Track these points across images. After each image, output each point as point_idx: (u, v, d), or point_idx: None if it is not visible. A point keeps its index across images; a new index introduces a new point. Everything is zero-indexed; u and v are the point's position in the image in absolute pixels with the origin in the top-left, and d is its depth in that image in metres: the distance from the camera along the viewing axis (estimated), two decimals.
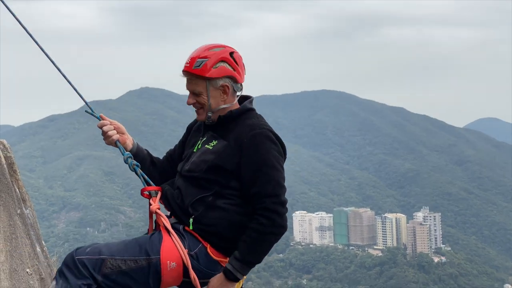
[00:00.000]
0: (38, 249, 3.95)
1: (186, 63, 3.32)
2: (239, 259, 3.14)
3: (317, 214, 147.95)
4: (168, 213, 3.39)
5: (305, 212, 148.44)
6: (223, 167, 3.26)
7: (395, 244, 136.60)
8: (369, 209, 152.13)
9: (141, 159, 3.60)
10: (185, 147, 3.60)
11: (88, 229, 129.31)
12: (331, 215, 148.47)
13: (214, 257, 3.26)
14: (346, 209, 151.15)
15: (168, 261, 3.14)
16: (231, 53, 3.36)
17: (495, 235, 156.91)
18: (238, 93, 3.44)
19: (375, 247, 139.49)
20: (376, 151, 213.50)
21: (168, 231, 3.21)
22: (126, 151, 3.57)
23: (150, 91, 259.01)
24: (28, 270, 3.58)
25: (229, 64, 3.33)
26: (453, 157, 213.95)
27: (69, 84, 3.52)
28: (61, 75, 3.49)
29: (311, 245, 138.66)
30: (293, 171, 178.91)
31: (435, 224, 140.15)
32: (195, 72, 3.29)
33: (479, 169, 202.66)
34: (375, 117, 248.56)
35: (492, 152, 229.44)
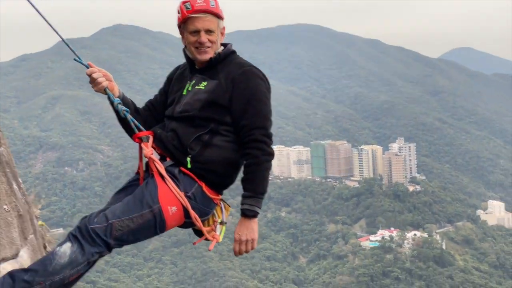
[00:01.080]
0: (15, 186, 3.93)
1: (197, 3, 3.46)
2: (250, 195, 3.36)
3: (294, 148, 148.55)
4: (158, 157, 3.52)
5: (282, 146, 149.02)
6: (217, 103, 3.45)
7: (371, 175, 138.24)
8: (345, 142, 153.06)
9: (127, 107, 3.65)
10: (169, 94, 3.74)
11: (66, 168, 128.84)
12: (308, 148, 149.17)
13: (209, 195, 3.45)
14: (323, 142, 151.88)
15: (169, 206, 3.31)
16: None
17: (468, 163, 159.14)
18: None
19: (352, 178, 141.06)
20: (352, 84, 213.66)
21: (162, 177, 3.35)
22: (114, 97, 3.64)
23: (124, 28, 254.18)
24: (5, 207, 3.60)
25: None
26: (427, 87, 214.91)
27: (44, 22, 3.54)
28: (38, 14, 3.50)
29: (289, 179, 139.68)
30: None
31: (410, 154, 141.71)
32: (214, 10, 3.50)
33: (453, 99, 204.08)
34: (350, 50, 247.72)
35: (466, 81, 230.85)
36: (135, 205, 3.31)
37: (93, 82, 3.56)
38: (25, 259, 3.65)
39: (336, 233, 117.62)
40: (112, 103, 3.58)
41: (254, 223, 3.41)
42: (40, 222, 5.64)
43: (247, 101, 3.45)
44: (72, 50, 3.55)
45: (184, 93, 3.60)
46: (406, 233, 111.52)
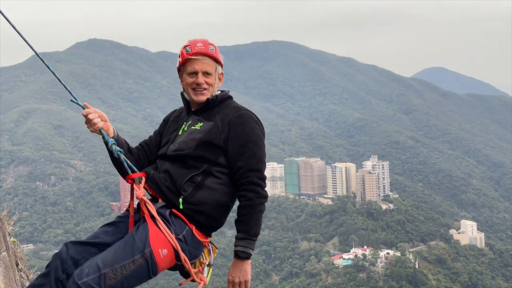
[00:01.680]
0: None
1: (196, 46, 3.59)
2: (244, 237, 3.40)
3: (268, 165, 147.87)
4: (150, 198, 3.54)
5: None
6: (212, 143, 3.49)
7: (345, 193, 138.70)
8: (319, 159, 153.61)
9: (120, 147, 3.69)
10: (164, 135, 3.80)
11: (37, 183, 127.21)
12: (282, 165, 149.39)
13: (199, 238, 3.46)
14: (297, 159, 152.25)
15: (160, 249, 3.29)
16: None
17: (441, 182, 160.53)
18: None
19: (325, 196, 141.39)
20: (326, 101, 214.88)
21: (154, 218, 3.35)
22: (109, 138, 3.64)
23: (99, 43, 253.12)
24: None
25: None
26: (401, 106, 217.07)
27: (19, 37, 3.50)
28: (14, 29, 3.47)
29: None
30: None
31: (383, 172, 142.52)
32: (212, 54, 3.62)
33: (426, 118, 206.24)
34: (325, 67, 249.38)
35: (439, 101, 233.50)
36: (126, 251, 3.27)
37: (89, 122, 3.56)
38: None
39: (309, 251, 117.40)
40: (106, 143, 3.59)
41: (247, 265, 3.44)
42: (12, 239, 5.75)
43: (243, 144, 3.50)
44: (69, 91, 3.59)
45: (180, 133, 3.66)
46: (379, 252, 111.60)
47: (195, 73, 3.62)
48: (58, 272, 3.29)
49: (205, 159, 3.49)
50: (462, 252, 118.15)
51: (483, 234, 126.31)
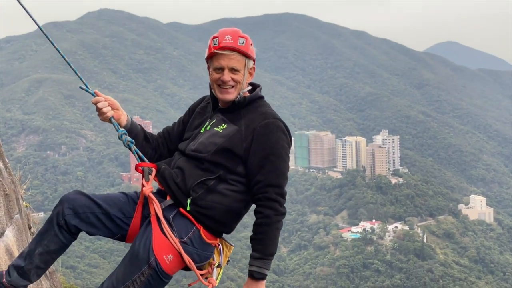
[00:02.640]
0: (1, 165, 3.96)
1: (224, 39, 3.33)
2: (260, 257, 3.25)
3: None
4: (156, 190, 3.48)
5: None
6: (231, 151, 3.31)
7: (354, 167, 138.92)
8: (329, 133, 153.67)
9: (135, 135, 3.61)
10: (188, 127, 3.62)
11: (48, 152, 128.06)
12: (292, 138, 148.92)
13: (207, 240, 3.35)
14: (307, 132, 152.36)
15: (165, 256, 3.23)
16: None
17: (451, 157, 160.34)
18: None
19: (335, 169, 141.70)
20: (337, 75, 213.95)
21: (159, 220, 3.27)
22: (121, 127, 3.55)
23: (110, 13, 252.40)
24: None
25: (254, 49, 3.46)
26: (412, 80, 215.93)
27: (27, 5, 3.47)
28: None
29: None
30: None
31: (393, 146, 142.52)
32: (241, 49, 3.35)
33: (437, 92, 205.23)
34: (337, 40, 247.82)
35: (451, 75, 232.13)
36: (133, 265, 3.24)
37: (99, 111, 3.49)
38: (10, 238, 3.68)
39: (317, 224, 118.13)
40: (117, 132, 3.53)
41: (262, 285, 3.29)
42: (25, 203, 5.81)
43: (265, 156, 3.29)
44: (80, 77, 3.53)
45: (202, 131, 3.46)
46: (387, 226, 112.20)
47: (221, 69, 3.37)
48: (59, 217, 3.31)
49: (222, 166, 3.32)
50: (471, 227, 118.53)
51: (492, 209, 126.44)
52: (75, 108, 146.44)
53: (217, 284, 3.46)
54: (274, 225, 3.24)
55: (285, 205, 3.32)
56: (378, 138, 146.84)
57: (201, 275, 3.39)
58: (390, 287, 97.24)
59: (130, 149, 3.49)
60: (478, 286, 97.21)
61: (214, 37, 3.37)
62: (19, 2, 3.41)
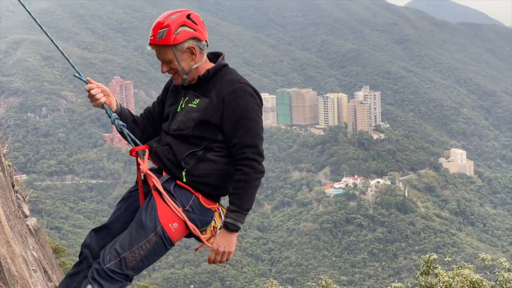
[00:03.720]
0: None
1: (150, 36, 3.53)
2: (235, 210, 3.46)
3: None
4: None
5: None
6: (209, 122, 3.50)
7: (336, 123, 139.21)
8: (311, 90, 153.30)
9: (125, 119, 3.78)
10: (165, 106, 3.81)
11: (29, 114, 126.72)
12: (274, 96, 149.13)
13: (206, 206, 3.58)
14: (289, 90, 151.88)
15: (170, 224, 3.46)
16: (188, 16, 3.56)
17: (432, 112, 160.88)
18: (205, 50, 3.64)
19: (317, 126, 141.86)
20: (318, 31, 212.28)
21: (160, 193, 3.50)
22: (112, 112, 3.74)
23: None
24: None
25: (188, 27, 3.53)
26: (393, 36, 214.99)
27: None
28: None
29: None
30: (236, 52, 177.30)
31: (375, 102, 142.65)
32: (160, 43, 3.50)
33: (418, 47, 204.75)
34: None
35: (432, 30, 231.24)
36: (139, 233, 3.46)
37: (91, 97, 3.68)
38: None
39: (300, 181, 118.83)
40: (109, 118, 3.70)
41: (234, 237, 3.52)
42: (8, 162, 5.85)
43: (237, 120, 3.47)
44: (72, 65, 3.72)
45: (178, 109, 3.65)
46: (369, 181, 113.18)
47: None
48: (90, 260, 3.59)
49: (204, 137, 3.53)
50: (451, 180, 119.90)
51: (472, 162, 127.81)
52: (54, 69, 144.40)
53: None
54: (252, 182, 3.45)
55: (263, 163, 3.53)
56: (360, 94, 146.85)
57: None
58: (372, 241, 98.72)
59: (122, 132, 3.70)
60: (458, 237, 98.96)
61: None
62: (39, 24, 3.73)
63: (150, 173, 3.56)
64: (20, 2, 3.68)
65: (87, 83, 3.67)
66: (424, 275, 8.05)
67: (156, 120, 3.88)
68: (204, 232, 3.62)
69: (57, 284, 5.24)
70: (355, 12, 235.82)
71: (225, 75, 3.60)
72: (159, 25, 3.51)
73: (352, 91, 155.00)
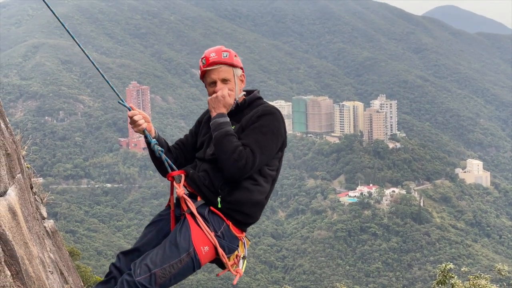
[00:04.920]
0: (2, 125, 4.02)
1: (212, 56, 3.78)
2: (225, 129, 3.65)
3: (276, 103, 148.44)
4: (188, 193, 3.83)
5: (264, 100, 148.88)
6: None
7: (352, 131, 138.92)
8: (327, 97, 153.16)
9: (161, 146, 3.92)
10: (198, 136, 4.01)
11: (46, 118, 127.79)
12: (290, 103, 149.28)
13: (235, 233, 3.73)
14: (305, 97, 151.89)
15: (202, 247, 3.60)
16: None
17: (448, 121, 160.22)
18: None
19: (332, 134, 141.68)
20: (335, 39, 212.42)
21: (194, 217, 3.64)
22: (152, 138, 3.89)
23: None
24: None
25: (239, 59, 3.89)
26: (410, 45, 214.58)
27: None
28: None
29: None
30: (252, 59, 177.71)
31: (391, 111, 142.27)
32: (225, 61, 3.78)
33: (435, 57, 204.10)
34: (334, 5, 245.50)
35: (449, 40, 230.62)
36: (172, 251, 3.58)
37: (134, 123, 3.81)
38: (13, 197, 3.70)
39: (315, 188, 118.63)
40: (149, 143, 3.86)
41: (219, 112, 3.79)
42: (26, 164, 5.91)
43: (252, 128, 3.69)
44: (116, 93, 3.88)
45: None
46: (384, 190, 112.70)
47: (214, 83, 3.82)
48: (118, 279, 3.65)
49: None
50: (467, 190, 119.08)
51: (489, 173, 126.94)
52: (72, 74, 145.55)
53: (242, 274, 3.88)
54: (231, 157, 3.56)
55: (246, 166, 3.57)
56: (376, 103, 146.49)
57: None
58: (387, 250, 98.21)
59: (160, 157, 3.83)
60: (474, 249, 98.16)
61: (202, 58, 3.84)
62: (93, 63, 3.91)
63: (186, 197, 3.69)
64: (52, 11, 3.74)
65: (130, 110, 3.82)
66: (440, 285, 8.01)
67: (188, 151, 4.05)
68: (228, 259, 3.76)
69: (73, 287, 5.27)
70: (372, 20, 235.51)
71: (258, 105, 3.85)
72: (221, 49, 3.83)
73: (368, 100, 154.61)
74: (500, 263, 8.59)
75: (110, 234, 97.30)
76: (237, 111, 3.84)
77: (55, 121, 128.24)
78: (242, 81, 3.91)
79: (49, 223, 5.88)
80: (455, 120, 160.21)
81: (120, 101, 3.85)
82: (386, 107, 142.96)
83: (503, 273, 7.89)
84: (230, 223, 3.69)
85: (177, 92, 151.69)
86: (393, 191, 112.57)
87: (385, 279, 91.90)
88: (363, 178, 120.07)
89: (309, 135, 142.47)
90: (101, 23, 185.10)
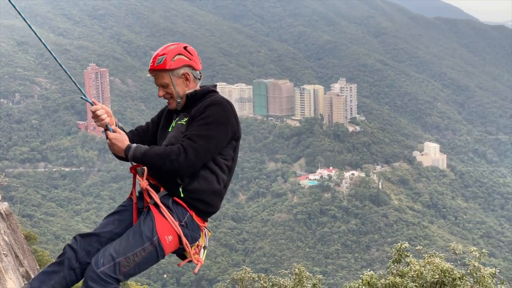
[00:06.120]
0: None
1: (150, 63, 3.92)
2: (142, 152, 3.71)
3: (237, 86, 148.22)
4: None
5: (225, 83, 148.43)
6: None
7: (312, 115, 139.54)
8: (288, 81, 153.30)
9: None
10: (159, 128, 4.14)
11: (1, 100, 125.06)
12: (251, 86, 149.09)
13: (198, 223, 3.87)
14: (266, 80, 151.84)
15: (166, 236, 3.71)
16: (185, 47, 3.96)
17: (407, 105, 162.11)
18: (199, 79, 4.04)
19: (293, 117, 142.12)
20: (296, 22, 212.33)
21: (158, 207, 3.75)
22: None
23: None
24: None
25: (184, 56, 3.93)
26: (370, 29, 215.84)
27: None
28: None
29: None
30: (213, 42, 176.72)
31: (351, 95, 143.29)
32: (158, 67, 3.88)
33: (394, 41, 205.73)
34: None
35: (408, 24, 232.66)
36: (136, 240, 3.67)
37: (96, 117, 3.90)
38: None
39: (276, 171, 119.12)
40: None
41: (121, 151, 3.79)
42: None
43: (197, 120, 3.79)
44: (79, 88, 4.00)
45: (170, 129, 4.00)
46: (344, 173, 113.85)
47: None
48: (72, 262, 3.72)
49: None
50: (424, 173, 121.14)
51: (445, 156, 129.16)
52: (28, 55, 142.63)
53: (203, 263, 4.04)
54: (166, 159, 3.64)
55: (188, 157, 3.66)
56: (336, 87, 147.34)
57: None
58: (346, 232, 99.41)
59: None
60: (430, 230, 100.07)
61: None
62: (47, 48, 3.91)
63: (150, 188, 3.79)
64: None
65: (93, 105, 3.91)
66: (395, 263, 8.13)
67: (148, 138, 4.16)
68: (191, 248, 3.89)
69: (28, 270, 5.20)
70: (333, 4, 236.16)
71: (210, 97, 3.94)
72: (158, 53, 3.92)
73: (328, 83, 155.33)
74: (454, 242, 8.78)
75: (68, 218, 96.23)
76: (190, 104, 3.95)
77: (10, 103, 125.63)
78: (187, 79, 3.95)
79: (3, 206, 5.79)
80: (413, 103, 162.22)
81: (83, 97, 3.95)
82: (346, 90, 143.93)
83: (457, 251, 8.04)
84: (193, 212, 3.81)
85: (137, 74, 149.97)
86: (353, 174, 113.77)
87: (344, 260, 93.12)
88: (323, 161, 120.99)
89: (269, 118, 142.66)
90: (58, 4, 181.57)
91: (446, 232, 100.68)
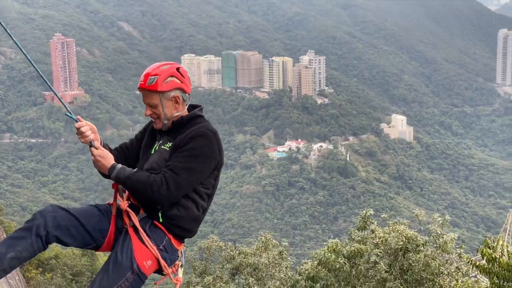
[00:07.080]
0: None
1: (141, 81, 3.80)
2: (126, 175, 3.66)
3: (205, 57, 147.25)
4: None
5: (193, 55, 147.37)
6: None
7: (281, 87, 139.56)
8: (256, 53, 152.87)
9: None
10: (142, 146, 4.05)
11: None
12: (219, 58, 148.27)
13: (176, 246, 3.84)
14: (234, 52, 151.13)
15: (144, 262, 3.69)
16: (178, 69, 3.87)
17: (374, 77, 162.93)
18: (187, 102, 3.93)
19: (262, 89, 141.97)
20: None
21: (137, 230, 3.72)
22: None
23: None
24: None
25: (177, 78, 3.83)
26: (339, 1, 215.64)
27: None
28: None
29: (199, 88, 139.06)
30: (181, 13, 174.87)
31: (319, 67, 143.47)
32: (149, 88, 3.76)
33: (363, 13, 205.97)
34: None
35: None
36: (117, 273, 3.63)
37: (81, 134, 3.79)
38: None
39: (244, 143, 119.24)
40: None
41: (105, 169, 3.73)
42: None
43: (181, 151, 3.71)
44: (64, 105, 3.96)
45: (152, 152, 3.91)
46: (312, 145, 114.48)
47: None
48: (40, 229, 3.59)
49: None
50: (391, 145, 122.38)
51: (412, 128, 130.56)
52: None
53: (182, 281, 4.04)
54: (149, 188, 3.60)
55: (170, 190, 3.61)
56: (305, 59, 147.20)
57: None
58: (313, 204, 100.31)
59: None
60: (397, 201, 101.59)
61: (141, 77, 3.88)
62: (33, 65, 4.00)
63: (130, 210, 3.75)
64: None
65: (77, 121, 3.81)
66: (360, 230, 8.28)
67: (131, 156, 4.09)
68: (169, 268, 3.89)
69: None
70: None
71: (196, 124, 3.85)
72: (150, 72, 3.80)
73: (297, 55, 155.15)
74: (418, 209, 8.97)
75: (35, 189, 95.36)
76: (174, 129, 3.86)
77: None
78: (176, 102, 3.85)
79: None
80: (381, 76, 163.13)
81: (67, 113, 3.88)
82: (315, 62, 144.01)
83: (420, 218, 8.22)
84: (171, 236, 3.79)
85: (104, 45, 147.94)
86: (321, 146, 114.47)
87: (312, 231, 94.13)
88: (291, 133, 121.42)
89: (238, 90, 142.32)
90: None
91: (411, 203, 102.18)
